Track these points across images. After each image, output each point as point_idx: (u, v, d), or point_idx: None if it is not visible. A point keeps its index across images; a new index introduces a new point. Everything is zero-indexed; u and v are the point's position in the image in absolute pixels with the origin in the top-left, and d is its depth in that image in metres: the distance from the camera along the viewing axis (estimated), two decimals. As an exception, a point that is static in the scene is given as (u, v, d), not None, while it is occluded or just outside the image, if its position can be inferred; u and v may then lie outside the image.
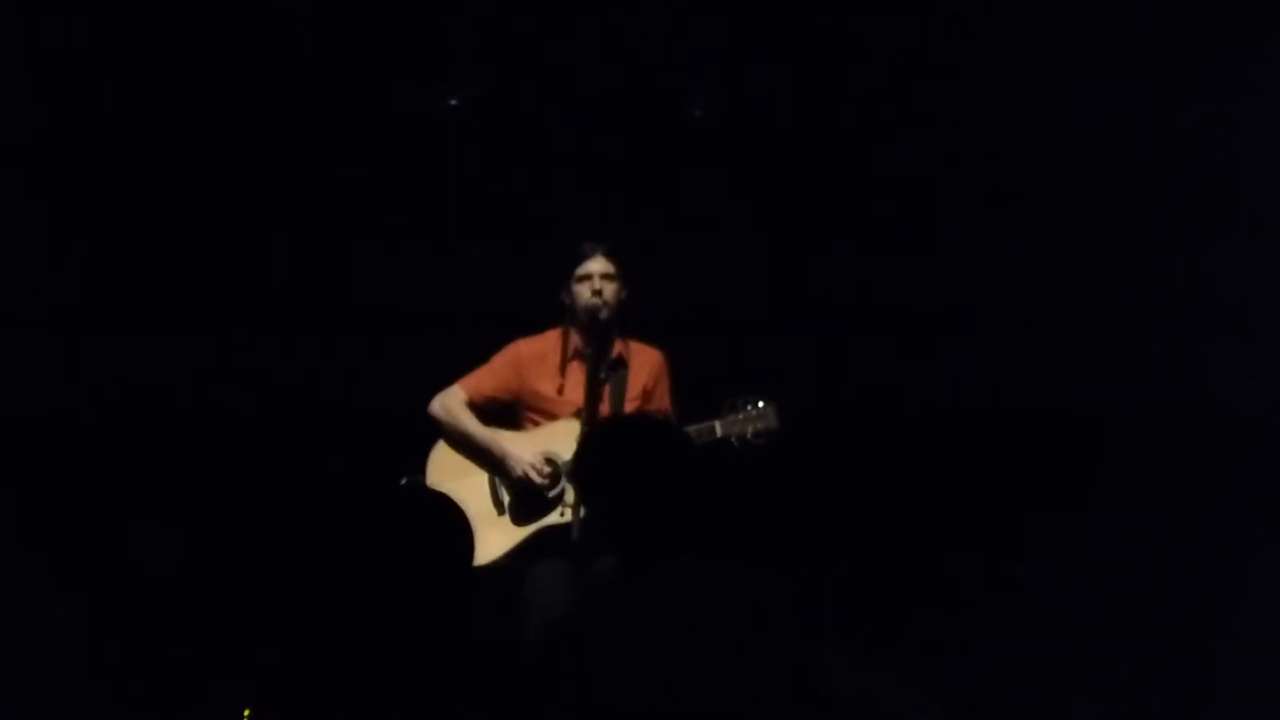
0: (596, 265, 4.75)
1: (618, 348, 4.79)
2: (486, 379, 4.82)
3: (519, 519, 4.66)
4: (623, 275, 4.76)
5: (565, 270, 4.77)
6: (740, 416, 4.64)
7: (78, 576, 5.23)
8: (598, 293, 4.72)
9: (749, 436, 4.63)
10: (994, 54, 5.27)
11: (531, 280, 4.97)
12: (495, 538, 4.64)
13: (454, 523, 4.09)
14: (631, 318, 4.80)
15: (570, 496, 4.58)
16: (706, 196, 5.48)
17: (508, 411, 4.81)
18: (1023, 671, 5.05)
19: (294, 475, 5.37)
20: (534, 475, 4.62)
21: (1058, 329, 5.28)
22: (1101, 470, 5.25)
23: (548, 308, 4.81)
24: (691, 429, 4.62)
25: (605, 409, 4.67)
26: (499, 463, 4.69)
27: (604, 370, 4.71)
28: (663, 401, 4.81)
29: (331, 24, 5.32)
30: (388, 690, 4.59)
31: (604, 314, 4.72)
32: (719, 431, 4.64)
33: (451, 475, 4.74)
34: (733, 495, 4.54)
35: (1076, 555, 5.20)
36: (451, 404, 4.78)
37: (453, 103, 5.48)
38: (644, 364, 4.81)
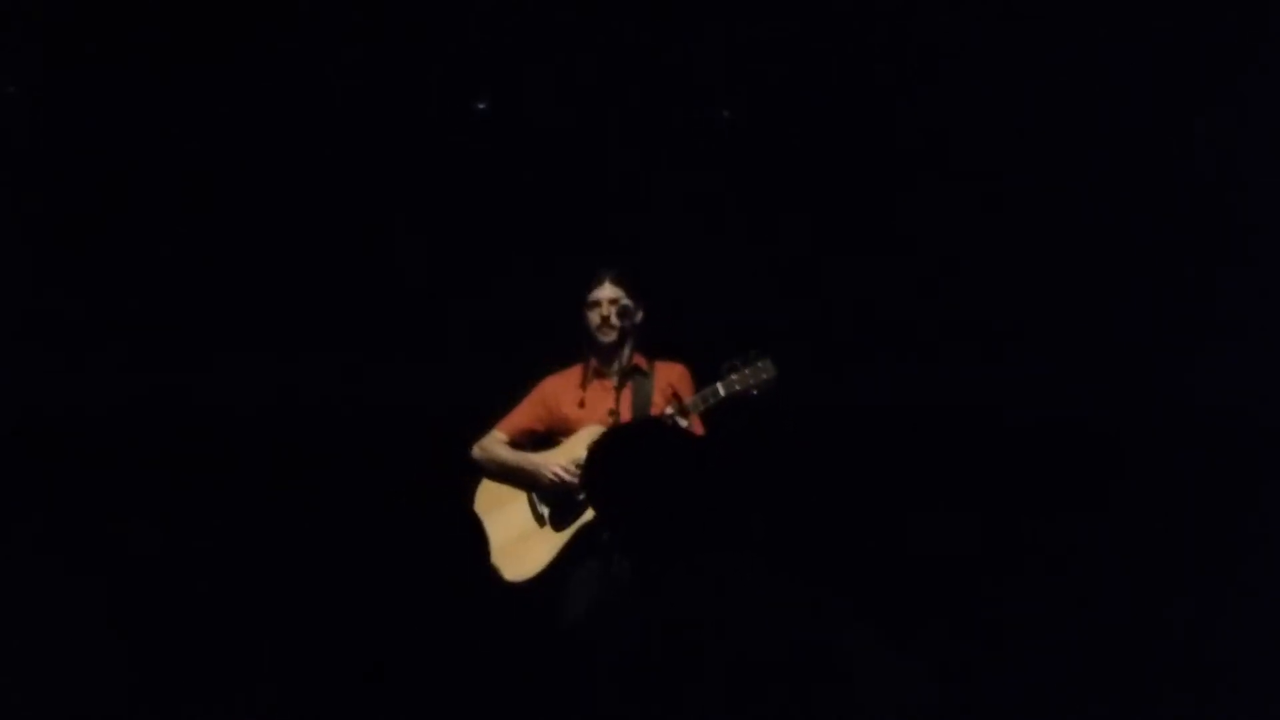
0: (604, 292, 4.94)
1: (637, 363, 4.95)
2: (519, 415, 5.07)
3: (558, 525, 4.86)
4: (636, 297, 4.93)
5: (581, 295, 4.95)
6: (740, 375, 4.74)
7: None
8: (605, 319, 4.92)
9: (753, 391, 4.72)
10: (998, 62, 5.26)
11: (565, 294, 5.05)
12: (539, 549, 4.85)
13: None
14: (653, 335, 4.94)
15: None
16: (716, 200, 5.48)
17: (546, 443, 5.00)
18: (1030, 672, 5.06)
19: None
20: (564, 474, 4.82)
21: (1063, 338, 5.27)
22: (1109, 479, 5.24)
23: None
24: (697, 397, 4.78)
25: (627, 415, 4.83)
26: (533, 477, 4.92)
27: (619, 378, 4.87)
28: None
29: (361, 32, 5.33)
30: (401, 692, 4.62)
31: (610, 338, 4.92)
32: (722, 392, 4.74)
33: (495, 505, 4.94)
34: (746, 493, 4.60)
35: (1084, 562, 5.20)
36: (488, 443, 5.04)
37: (480, 106, 5.52)
38: (667, 375, 4.94)
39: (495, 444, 5.02)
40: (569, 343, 5.00)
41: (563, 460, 4.85)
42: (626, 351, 4.90)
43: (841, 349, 5.37)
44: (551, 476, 4.84)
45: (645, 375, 4.91)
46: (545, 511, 4.90)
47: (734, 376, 4.73)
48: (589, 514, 4.74)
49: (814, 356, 5.25)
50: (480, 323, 5.54)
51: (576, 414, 4.94)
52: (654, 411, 4.84)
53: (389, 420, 5.46)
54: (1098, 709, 5.00)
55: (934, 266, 5.36)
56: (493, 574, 4.63)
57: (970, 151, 5.32)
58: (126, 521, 5.30)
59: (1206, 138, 5.19)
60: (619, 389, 4.83)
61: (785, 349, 4.79)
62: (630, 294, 4.93)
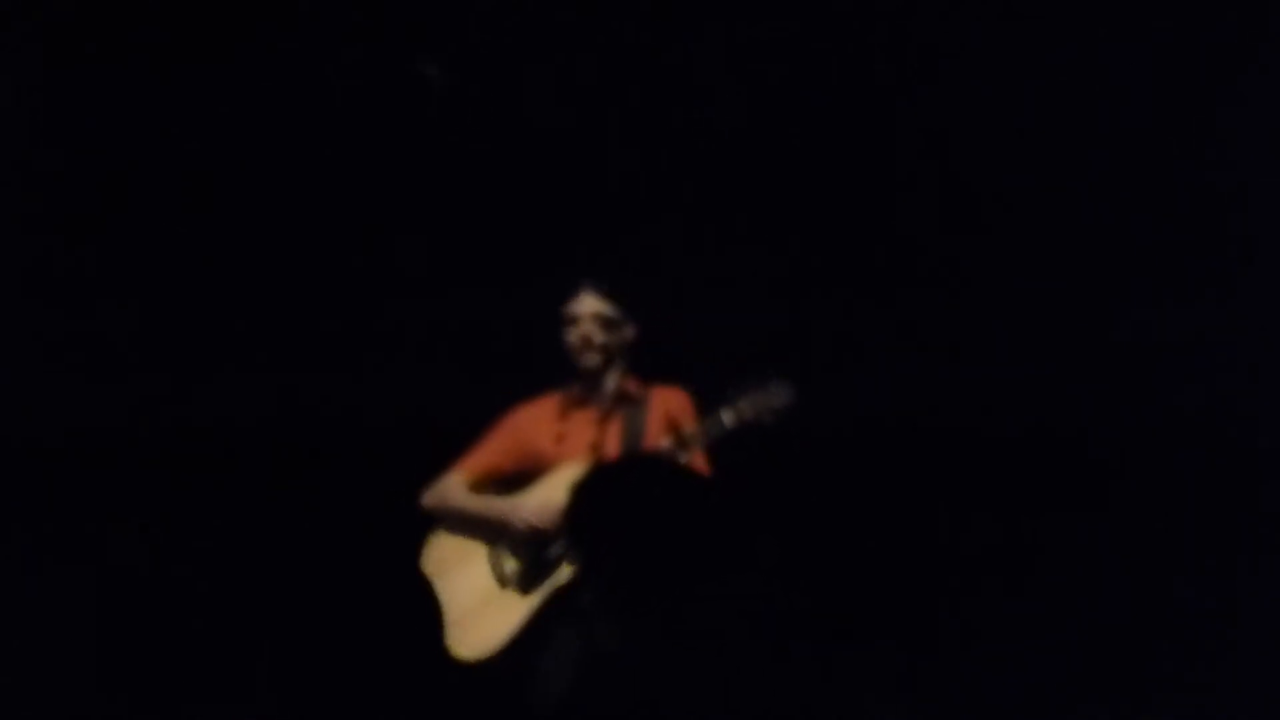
0: (585, 306, 4.29)
1: (626, 388, 4.30)
2: (483, 453, 4.35)
3: (525, 586, 4.08)
4: (623, 311, 4.30)
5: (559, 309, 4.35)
6: (749, 400, 4.06)
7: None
8: (586, 338, 4.26)
9: (765, 419, 4.04)
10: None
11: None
12: (501, 617, 4.05)
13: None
14: (647, 355, 4.37)
15: (570, 550, 4.02)
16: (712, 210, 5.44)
17: (516, 486, 4.28)
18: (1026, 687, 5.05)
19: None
20: (536, 522, 4.06)
21: (1062, 340, 5.25)
22: (1108, 482, 5.23)
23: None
24: (699, 427, 4.08)
25: (614, 450, 4.15)
26: (499, 526, 4.17)
27: (605, 406, 4.26)
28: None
29: (361, 32, 5.33)
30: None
31: (593, 361, 4.26)
32: (727, 422, 4.04)
33: (448, 564, 4.27)
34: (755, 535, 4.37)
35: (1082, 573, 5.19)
36: (444, 488, 4.33)
37: (430, 73, 5.28)
38: (664, 404, 4.25)
39: (453, 488, 4.27)
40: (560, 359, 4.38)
41: (535, 505, 4.06)
42: (614, 375, 4.25)
43: (838, 357, 5.35)
44: (520, 525, 4.05)
45: (637, 403, 4.19)
46: (510, 570, 4.11)
47: (742, 403, 4.03)
48: (564, 572, 3.97)
49: (812, 366, 5.23)
50: (463, 333, 5.35)
51: (553, 450, 4.18)
52: (648, 446, 4.09)
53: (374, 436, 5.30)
54: (1098, 709, 5.01)
55: (932, 269, 5.35)
56: (446, 650, 4.09)
57: (969, 152, 5.30)
58: (115, 526, 5.31)
59: (1206, 138, 5.17)
60: (605, 420, 4.16)
61: (788, 360, 4.40)
62: (617, 308, 4.28)
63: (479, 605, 4.10)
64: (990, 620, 5.18)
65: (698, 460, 4.13)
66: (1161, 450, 5.15)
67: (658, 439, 4.11)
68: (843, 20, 5.27)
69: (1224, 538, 5.10)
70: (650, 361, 4.43)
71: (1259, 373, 5.10)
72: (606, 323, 4.29)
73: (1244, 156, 5.14)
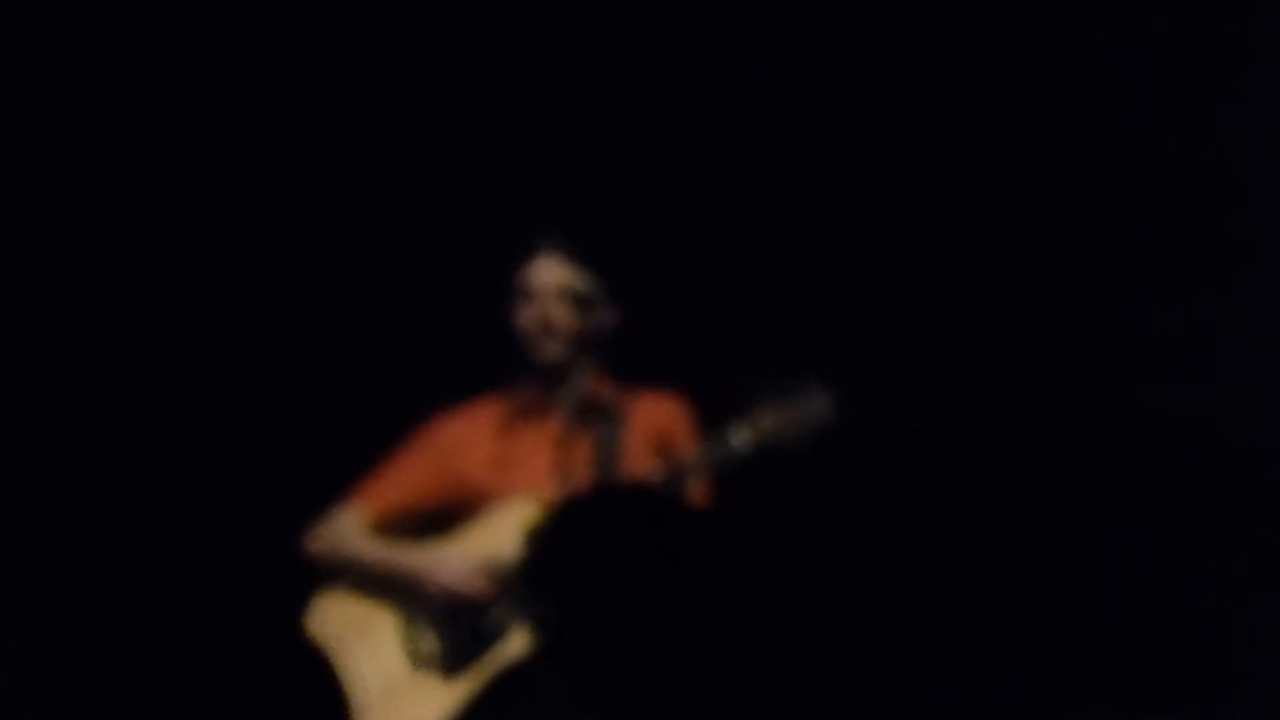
0: (547, 276, 3.20)
1: (599, 393, 3.25)
2: (394, 482, 3.28)
3: (452, 666, 3.03)
4: (599, 290, 3.23)
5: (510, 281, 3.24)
6: (769, 413, 3.04)
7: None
8: (546, 320, 3.19)
9: (791, 440, 3.02)
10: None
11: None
12: (420, 710, 3.01)
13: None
14: (624, 352, 3.32)
15: (520, 619, 2.96)
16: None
17: (439, 526, 3.23)
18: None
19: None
20: (468, 582, 3.01)
21: (1061, 341, 5.25)
22: (1109, 483, 5.22)
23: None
24: (701, 449, 3.08)
25: (580, 480, 3.05)
26: (414, 585, 3.10)
27: (569, 418, 3.20)
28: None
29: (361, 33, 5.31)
30: None
31: (554, 353, 3.20)
32: (735, 443, 2.99)
33: (345, 637, 3.19)
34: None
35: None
36: (338, 530, 3.25)
37: None
38: (649, 415, 3.21)
39: (349, 531, 3.20)
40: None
41: (462, 561, 3.03)
42: (582, 375, 3.19)
43: (835, 356, 5.34)
44: (446, 584, 3.01)
45: (612, 414, 3.12)
46: (432, 646, 3.07)
47: (762, 418, 3.00)
48: (511, 647, 2.92)
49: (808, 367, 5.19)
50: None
51: (492, 479, 3.13)
52: (628, 473, 3.04)
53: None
54: (1098, 709, 5.01)
55: (931, 269, 5.34)
56: None
57: (969, 152, 5.30)
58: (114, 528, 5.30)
59: (1206, 138, 5.18)
60: (568, 437, 3.10)
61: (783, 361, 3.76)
62: (591, 281, 3.20)
63: (386, 695, 3.05)
64: (990, 620, 5.18)
65: (695, 490, 3.10)
66: (1161, 450, 5.15)
67: (641, 464, 3.09)
68: (842, 19, 5.27)
69: (1224, 538, 5.10)
70: (636, 359, 3.44)
71: (1259, 373, 5.11)
72: (576, 300, 3.24)
73: (1244, 156, 5.15)
